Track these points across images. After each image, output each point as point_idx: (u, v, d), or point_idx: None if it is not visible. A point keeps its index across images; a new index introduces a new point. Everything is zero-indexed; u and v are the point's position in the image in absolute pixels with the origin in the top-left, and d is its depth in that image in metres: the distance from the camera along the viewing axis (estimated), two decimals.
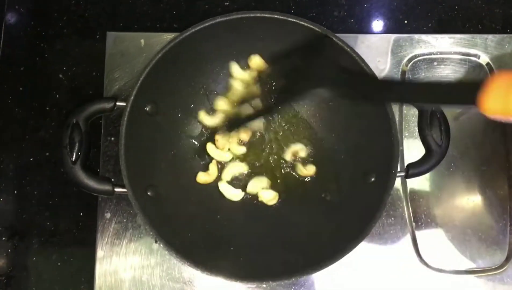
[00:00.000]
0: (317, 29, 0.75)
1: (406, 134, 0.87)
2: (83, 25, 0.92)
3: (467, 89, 0.54)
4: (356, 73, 0.70)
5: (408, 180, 0.86)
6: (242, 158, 0.85)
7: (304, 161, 0.84)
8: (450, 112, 0.81)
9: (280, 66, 0.78)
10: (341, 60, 0.73)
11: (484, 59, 0.91)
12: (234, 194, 0.82)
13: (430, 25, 0.94)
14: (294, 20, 0.75)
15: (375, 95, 0.67)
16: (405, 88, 0.65)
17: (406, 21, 0.94)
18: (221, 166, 0.84)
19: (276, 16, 0.75)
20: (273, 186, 0.84)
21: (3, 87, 0.88)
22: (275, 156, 0.85)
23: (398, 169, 0.73)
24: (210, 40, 0.77)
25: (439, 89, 0.60)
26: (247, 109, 0.81)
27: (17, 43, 0.91)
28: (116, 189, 0.71)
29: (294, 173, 0.84)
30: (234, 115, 0.82)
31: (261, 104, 0.80)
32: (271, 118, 0.86)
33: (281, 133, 0.86)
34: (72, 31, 0.91)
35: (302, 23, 0.75)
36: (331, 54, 0.73)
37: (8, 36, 0.90)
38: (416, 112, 0.77)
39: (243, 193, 0.83)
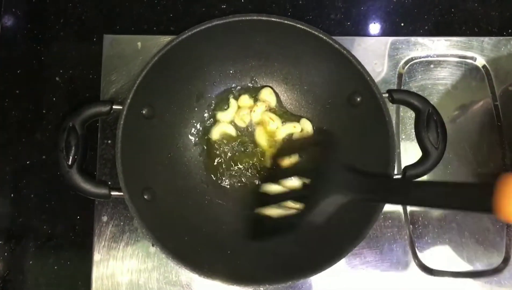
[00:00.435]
0: (313, 32, 0.75)
1: (403, 137, 0.87)
2: (80, 28, 0.92)
3: (480, 194, 0.53)
4: (370, 175, 0.69)
5: None
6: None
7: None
8: (446, 113, 0.82)
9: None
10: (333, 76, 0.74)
11: (480, 61, 0.92)
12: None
13: (426, 27, 0.95)
14: (290, 23, 0.75)
15: (389, 198, 0.67)
16: (419, 192, 0.63)
17: (402, 24, 0.95)
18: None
19: (272, 19, 0.75)
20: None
21: None
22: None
23: (395, 172, 0.73)
24: (207, 43, 0.77)
25: (454, 194, 0.59)
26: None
27: (14, 46, 0.91)
28: (113, 193, 0.70)
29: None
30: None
31: None
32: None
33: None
34: (69, 34, 0.91)
35: (299, 26, 0.75)
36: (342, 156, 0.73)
37: (5, 38, 0.90)
38: (413, 115, 0.77)
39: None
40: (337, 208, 0.67)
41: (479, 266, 0.84)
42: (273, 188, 0.80)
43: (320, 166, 0.73)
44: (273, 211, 0.80)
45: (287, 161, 0.82)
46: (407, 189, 0.65)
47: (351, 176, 0.68)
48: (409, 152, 0.86)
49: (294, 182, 0.80)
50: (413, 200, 0.65)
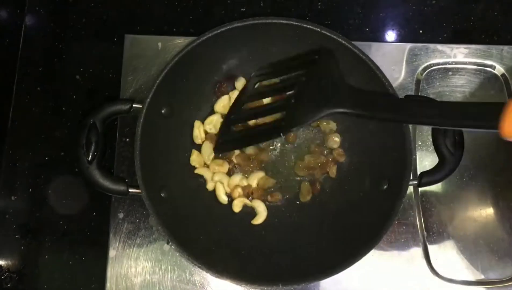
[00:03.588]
0: (332, 36, 0.75)
1: (420, 143, 0.87)
2: (101, 28, 0.93)
3: (488, 112, 0.53)
4: (370, 91, 0.69)
5: (420, 189, 0.86)
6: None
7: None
8: None
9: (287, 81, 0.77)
10: (351, 79, 0.72)
11: (499, 70, 0.91)
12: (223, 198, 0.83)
13: (445, 35, 0.94)
14: (309, 26, 0.75)
15: (390, 115, 0.65)
16: (422, 109, 0.63)
17: (421, 31, 0.95)
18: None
19: (292, 22, 0.76)
20: (283, 190, 0.84)
21: (21, 86, 0.89)
22: (287, 168, 0.86)
23: (411, 178, 0.73)
24: (227, 45, 0.78)
25: (457, 110, 0.59)
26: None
27: (36, 44, 0.92)
28: (130, 190, 0.71)
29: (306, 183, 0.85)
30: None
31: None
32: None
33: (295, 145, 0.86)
34: (90, 33, 0.93)
35: (318, 29, 0.75)
36: (339, 71, 0.71)
37: (28, 37, 0.92)
38: None
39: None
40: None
41: (492, 276, 0.83)
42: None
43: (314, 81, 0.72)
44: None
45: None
46: (407, 104, 0.64)
47: (344, 92, 0.67)
48: (425, 159, 0.86)
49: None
50: (413, 116, 0.63)
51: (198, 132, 0.83)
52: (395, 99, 0.71)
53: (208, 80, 0.84)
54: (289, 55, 0.81)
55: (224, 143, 0.79)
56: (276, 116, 0.75)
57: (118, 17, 0.94)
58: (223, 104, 0.83)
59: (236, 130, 0.79)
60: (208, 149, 0.82)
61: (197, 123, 0.83)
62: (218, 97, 0.84)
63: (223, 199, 0.81)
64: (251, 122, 0.79)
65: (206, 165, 0.83)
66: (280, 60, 0.81)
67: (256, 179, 0.83)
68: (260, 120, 0.78)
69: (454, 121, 0.59)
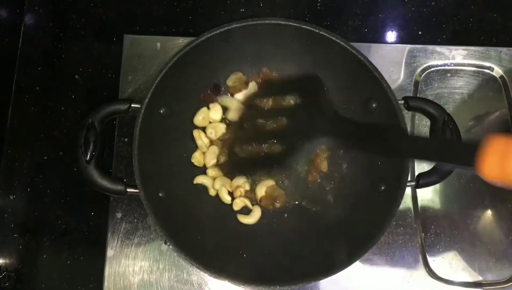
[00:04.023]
0: (331, 37, 0.75)
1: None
2: (100, 28, 0.93)
3: (467, 151, 0.54)
4: (353, 123, 0.69)
5: (418, 191, 0.86)
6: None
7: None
8: (462, 122, 0.81)
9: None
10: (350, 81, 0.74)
11: (497, 71, 0.91)
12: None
13: (444, 36, 0.95)
14: (308, 27, 0.76)
15: (376, 149, 0.66)
16: (407, 143, 0.64)
17: (420, 32, 0.95)
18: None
19: (291, 23, 0.76)
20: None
21: (20, 86, 0.89)
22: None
23: (409, 179, 0.73)
24: (225, 45, 0.78)
25: (440, 147, 0.60)
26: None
27: (35, 44, 0.92)
28: (128, 190, 0.71)
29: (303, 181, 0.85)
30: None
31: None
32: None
33: None
34: (90, 33, 0.93)
35: (316, 30, 0.75)
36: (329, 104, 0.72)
37: (27, 37, 0.92)
38: (428, 123, 0.77)
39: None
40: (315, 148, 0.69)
41: (490, 277, 0.84)
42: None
43: (305, 111, 0.72)
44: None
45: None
46: (395, 138, 0.64)
47: (333, 123, 0.67)
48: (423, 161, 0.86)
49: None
50: (397, 150, 0.64)
51: (202, 141, 0.82)
52: (379, 131, 0.69)
53: (207, 81, 0.84)
54: (289, 54, 0.81)
55: (233, 167, 0.81)
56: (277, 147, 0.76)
57: (117, 17, 0.94)
58: (202, 116, 0.83)
59: (241, 155, 0.79)
60: (211, 153, 0.82)
61: (196, 133, 0.83)
62: (201, 103, 0.84)
63: (227, 199, 0.81)
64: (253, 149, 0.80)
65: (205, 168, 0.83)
66: (277, 81, 0.83)
67: (265, 187, 0.82)
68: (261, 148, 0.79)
69: (434, 158, 0.61)
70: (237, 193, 0.81)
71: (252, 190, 0.83)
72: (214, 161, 0.82)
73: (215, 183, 0.81)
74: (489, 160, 0.50)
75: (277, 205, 0.82)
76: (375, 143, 0.64)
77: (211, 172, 0.82)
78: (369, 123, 0.70)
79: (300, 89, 0.76)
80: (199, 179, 0.82)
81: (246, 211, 0.82)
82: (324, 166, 0.83)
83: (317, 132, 0.68)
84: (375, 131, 0.66)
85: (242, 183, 0.82)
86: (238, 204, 0.81)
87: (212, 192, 0.82)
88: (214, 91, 0.84)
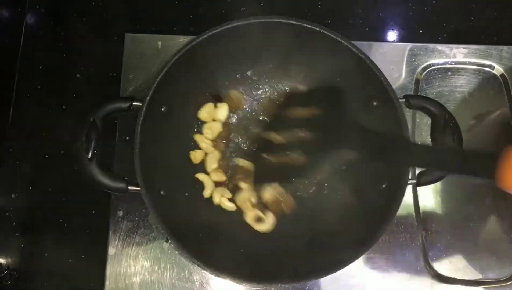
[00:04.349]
0: (332, 35, 0.75)
1: (418, 143, 0.87)
2: (101, 26, 0.93)
3: (485, 162, 0.55)
4: (375, 133, 0.70)
5: (419, 189, 0.86)
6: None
7: None
8: (463, 121, 0.81)
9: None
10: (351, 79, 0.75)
11: (498, 70, 0.92)
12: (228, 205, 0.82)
13: (445, 35, 0.95)
14: (309, 26, 0.76)
15: (394, 158, 0.68)
16: (423, 153, 0.66)
17: (421, 31, 0.95)
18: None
19: (292, 22, 0.76)
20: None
21: (21, 84, 0.89)
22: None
23: (410, 177, 0.73)
24: (226, 44, 0.78)
25: (458, 158, 0.61)
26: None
27: (37, 42, 0.92)
28: (130, 187, 0.71)
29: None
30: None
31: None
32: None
33: None
34: (91, 32, 0.93)
35: (318, 29, 0.76)
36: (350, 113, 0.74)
37: (28, 35, 0.92)
38: (429, 121, 0.77)
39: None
40: (339, 164, 0.70)
41: (491, 275, 0.84)
42: (277, 137, 0.80)
43: (326, 122, 0.74)
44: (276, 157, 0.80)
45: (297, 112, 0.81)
46: (410, 148, 0.66)
47: (354, 134, 0.69)
48: None
49: (298, 133, 0.79)
50: (417, 161, 0.66)
51: (205, 145, 0.83)
52: (398, 142, 0.71)
53: (208, 79, 0.84)
54: (290, 52, 0.81)
55: (262, 175, 0.81)
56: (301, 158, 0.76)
57: (118, 16, 0.94)
58: (207, 111, 0.84)
59: (267, 162, 0.80)
60: (212, 158, 0.83)
61: (197, 137, 0.83)
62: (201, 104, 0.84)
63: (231, 207, 0.81)
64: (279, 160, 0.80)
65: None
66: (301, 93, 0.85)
67: (272, 191, 0.83)
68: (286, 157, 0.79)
69: (452, 168, 0.63)
70: (246, 207, 0.81)
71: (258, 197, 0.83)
72: (215, 165, 0.83)
73: (214, 196, 0.81)
74: (508, 170, 0.51)
75: (285, 210, 0.82)
76: (394, 153, 0.66)
77: (213, 176, 0.82)
78: (385, 132, 0.71)
79: (323, 101, 0.77)
80: (199, 176, 0.82)
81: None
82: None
83: (341, 144, 0.69)
84: (393, 140, 0.68)
85: (247, 196, 0.82)
86: (250, 217, 0.81)
87: (207, 193, 0.81)
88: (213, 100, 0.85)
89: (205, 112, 0.83)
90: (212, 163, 0.82)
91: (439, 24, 0.95)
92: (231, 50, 0.81)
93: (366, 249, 0.70)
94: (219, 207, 0.81)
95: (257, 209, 0.81)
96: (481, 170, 0.56)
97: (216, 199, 0.81)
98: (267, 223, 0.81)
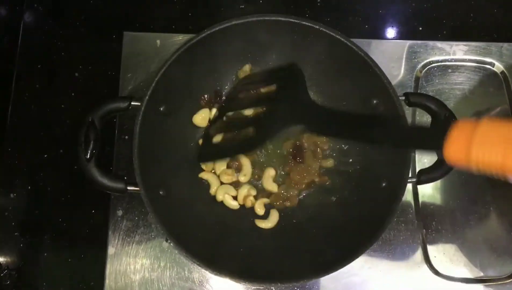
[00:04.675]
0: (331, 33, 0.75)
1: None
2: (100, 25, 0.93)
3: (435, 136, 0.55)
4: (327, 110, 0.70)
5: (419, 187, 0.86)
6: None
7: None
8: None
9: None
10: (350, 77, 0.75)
11: (498, 67, 0.91)
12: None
13: (445, 32, 0.94)
14: (308, 23, 0.75)
15: (349, 134, 0.67)
16: (380, 131, 0.64)
17: (421, 28, 0.95)
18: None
19: (291, 20, 0.75)
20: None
21: (19, 84, 0.89)
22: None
23: (410, 175, 0.73)
24: (225, 42, 0.78)
25: (410, 134, 0.63)
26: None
27: (35, 42, 0.92)
28: (129, 187, 0.71)
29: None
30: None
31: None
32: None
33: None
34: (89, 31, 0.93)
35: (317, 27, 0.75)
36: (304, 88, 0.74)
37: (26, 34, 0.92)
38: (429, 119, 0.77)
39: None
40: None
41: (491, 273, 0.84)
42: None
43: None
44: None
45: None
46: (367, 124, 0.66)
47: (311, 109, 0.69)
48: (424, 156, 0.86)
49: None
50: (375, 138, 0.64)
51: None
52: (351, 118, 0.70)
53: (207, 78, 0.84)
54: (288, 53, 0.81)
55: (206, 154, 0.80)
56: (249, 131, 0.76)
57: (117, 15, 0.94)
58: (202, 116, 0.83)
59: (216, 142, 0.79)
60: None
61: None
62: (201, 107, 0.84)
63: (234, 205, 0.82)
64: (228, 135, 0.80)
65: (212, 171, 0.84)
66: (258, 72, 0.83)
67: (270, 178, 0.83)
68: (236, 134, 0.79)
69: (405, 144, 0.65)
70: (248, 203, 0.82)
71: (261, 189, 0.83)
72: (224, 165, 0.83)
73: (217, 193, 0.82)
74: (454, 144, 0.51)
75: (288, 204, 0.82)
76: (351, 130, 0.65)
77: (223, 177, 0.83)
78: (345, 111, 0.71)
79: (280, 79, 0.76)
80: (204, 175, 0.82)
81: (246, 209, 0.82)
82: (329, 162, 0.84)
83: (292, 119, 0.69)
84: (352, 118, 0.67)
85: (247, 190, 0.82)
86: (258, 211, 0.82)
87: (213, 191, 0.82)
88: (214, 97, 0.85)
89: (200, 117, 0.83)
90: (221, 165, 0.83)
91: (438, 21, 0.95)
92: (230, 48, 0.80)
93: (366, 248, 0.70)
94: (218, 207, 0.81)
95: (261, 204, 0.82)
96: (430, 144, 0.58)
97: (220, 197, 0.81)
98: (270, 222, 0.81)
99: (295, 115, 0.69)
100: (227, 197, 0.81)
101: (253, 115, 0.81)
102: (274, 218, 0.81)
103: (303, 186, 0.83)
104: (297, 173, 0.82)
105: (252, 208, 0.82)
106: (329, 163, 0.84)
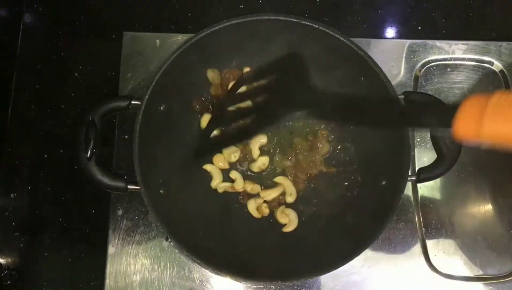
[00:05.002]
0: (331, 32, 0.75)
1: (418, 139, 0.87)
2: (99, 25, 0.93)
3: (444, 113, 0.54)
4: (334, 94, 0.68)
5: (419, 186, 0.86)
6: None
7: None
8: None
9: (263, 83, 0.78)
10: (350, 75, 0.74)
11: (497, 66, 0.91)
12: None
13: (444, 31, 0.94)
14: (308, 23, 0.75)
15: (356, 119, 0.66)
16: (388, 112, 0.63)
17: (420, 27, 0.95)
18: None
19: (290, 19, 0.76)
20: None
21: (20, 84, 0.89)
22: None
23: (409, 173, 0.73)
24: (224, 41, 0.78)
25: (417, 112, 0.60)
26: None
27: (35, 42, 0.92)
28: (129, 186, 0.71)
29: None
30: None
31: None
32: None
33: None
34: (89, 31, 0.93)
35: (316, 26, 0.75)
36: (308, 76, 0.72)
37: (26, 34, 0.92)
38: None
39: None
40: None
41: (491, 272, 0.84)
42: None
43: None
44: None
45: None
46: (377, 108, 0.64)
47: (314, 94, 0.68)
48: (424, 155, 0.86)
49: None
50: (383, 120, 0.64)
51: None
52: (355, 101, 0.68)
53: (206, 77, 0.84)
54: (289, 50, 0.81)
55: (203, 149, 0.80)
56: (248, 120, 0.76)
57: (116, 14, 0.94)
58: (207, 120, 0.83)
59: (213, 136, 0.79)
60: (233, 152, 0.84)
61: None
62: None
63: (257, 214, 0.82)
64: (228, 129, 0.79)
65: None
66: (260, 66, 0.82)
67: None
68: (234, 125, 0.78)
69: (414, 123, 0.63)
70: (264, 212, 0.82)
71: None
72: (235, 159, 0.84)
73: (248, 205, 0.82)
74: (465, 118, 0.50)
75: (289, 199, 0.82)
76: (356, 112, 0.64)
77: (233, 174, 0.83)
78: (348, 94, 0.68)
79: (281, 68, 0.76)
80: (207, 167, 0.83)
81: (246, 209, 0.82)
82: (326, 148, 0.84)
83: (294, 104, 0.68)
84: (356, 101, 0.66)
85: (254, 201, 0.82)
86: (281, 216, 0.81)
87: (214, 184, 0.82)
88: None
89: (205, 121, 0.83)
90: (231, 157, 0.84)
91: (437, 21, 0.95)
92: (229, 47, 0.80)
93: (366, 246, 0.70)
94: (218, 206, 0.82)
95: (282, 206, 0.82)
96: (440, 122, 0.55)
97: (251, 207, 0.82)
98: (291, 225, 0.80)
99: (297, 101, 0.68)
100: (263, 205, 0.81)
101: (253, 105, 0.80)
102: (293, 219, 0.81)
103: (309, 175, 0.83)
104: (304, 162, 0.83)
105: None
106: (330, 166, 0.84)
